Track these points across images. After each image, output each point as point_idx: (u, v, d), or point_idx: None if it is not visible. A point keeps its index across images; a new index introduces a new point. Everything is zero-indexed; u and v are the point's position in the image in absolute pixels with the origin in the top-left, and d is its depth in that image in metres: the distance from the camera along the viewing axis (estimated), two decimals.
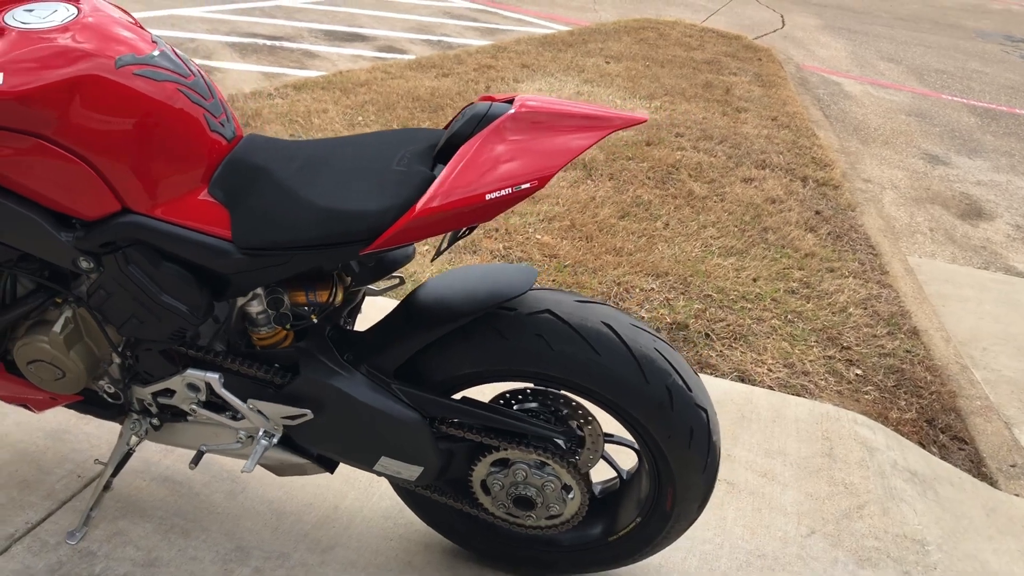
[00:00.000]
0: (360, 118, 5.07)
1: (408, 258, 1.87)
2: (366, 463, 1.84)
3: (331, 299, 1.77)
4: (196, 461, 1.93)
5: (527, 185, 1.51)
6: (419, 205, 1.54)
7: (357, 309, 1.99)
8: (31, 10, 1.64)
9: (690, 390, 1.77)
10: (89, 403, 1.96)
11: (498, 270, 1.84)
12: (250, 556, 2.03)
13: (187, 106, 1.64)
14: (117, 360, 1.85)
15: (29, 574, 1.90)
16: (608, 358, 1.72)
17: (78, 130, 1.57)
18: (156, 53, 1.66)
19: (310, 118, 4.99)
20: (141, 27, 1.77)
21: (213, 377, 1.80)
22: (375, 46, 7.28)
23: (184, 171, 1.66)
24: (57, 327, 1.78)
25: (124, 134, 1.59)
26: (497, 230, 3.86)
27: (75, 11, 1.65)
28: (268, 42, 6.79)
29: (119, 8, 1.77)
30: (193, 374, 1.81)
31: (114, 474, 2.00)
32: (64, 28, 1.59)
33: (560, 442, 1.84)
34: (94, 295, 1.75)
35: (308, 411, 1.81)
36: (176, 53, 1.71)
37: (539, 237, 3.77)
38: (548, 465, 1.84)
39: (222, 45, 6.49)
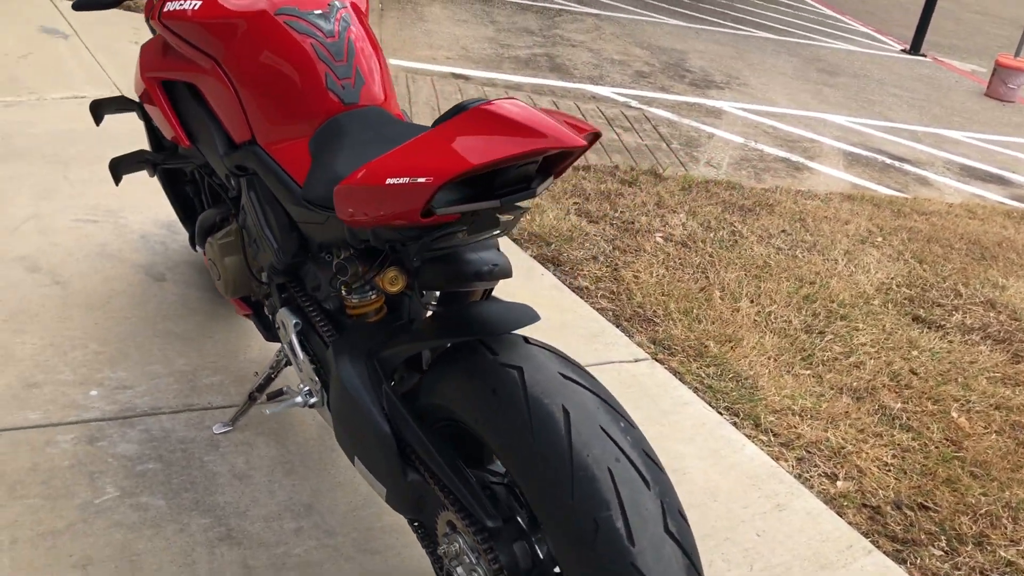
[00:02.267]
0: (880, 239, 4.52)
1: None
2: (349, 456, 1.78)
3: (388, 284, 1.75)
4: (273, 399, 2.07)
5: (423, 180, 1.33)
6: (344, 179, 1.50)
7: None
8: None
9: (630, 542, 1.33)
10: (256, 317, 2.24)
11: (507, 306, 1.63)
12: (309, 516, 2.11)
13: (312, 60, 1.80)
14: (256, 281, 2.09)
15: (167, 434, 2.27)
16: (542, 451, 1.40)
17: (232, 60, 1.85)
18: (317, 12, 1.84)
19: (819, 223, 4.63)
20: None
21: (291, 320, 1.93)
22: (1010, 192, 6.32)
23: (296, 118, 1.82)
24: (219, 234, 2.09)
25: (258, 71, 1.82)
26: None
27: None
28: (888, 160, 6.41)
29: None
30: (284, 312, 1.96)
31: (259, 389, 2.24)
32: None
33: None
34: (238, 214, 2.01)
35: (316, 381, 1.84)
36: (341, 16, 1.87)
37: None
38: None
39: (836, 151, 6.36)
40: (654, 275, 3.67)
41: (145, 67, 2.12)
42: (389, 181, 1.39)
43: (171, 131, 2.08)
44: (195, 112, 2.02)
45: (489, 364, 1.53)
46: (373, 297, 1.85)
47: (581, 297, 3.39)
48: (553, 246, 3.74)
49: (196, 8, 1.85)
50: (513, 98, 1.40)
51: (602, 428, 1.41)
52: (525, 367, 1.50)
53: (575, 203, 4.27)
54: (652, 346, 3.16)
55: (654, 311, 3.40)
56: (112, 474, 2.12)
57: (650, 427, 2.69)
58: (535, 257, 3.62)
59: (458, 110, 1.43)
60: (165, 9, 1.91)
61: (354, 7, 1.95)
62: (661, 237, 4.09)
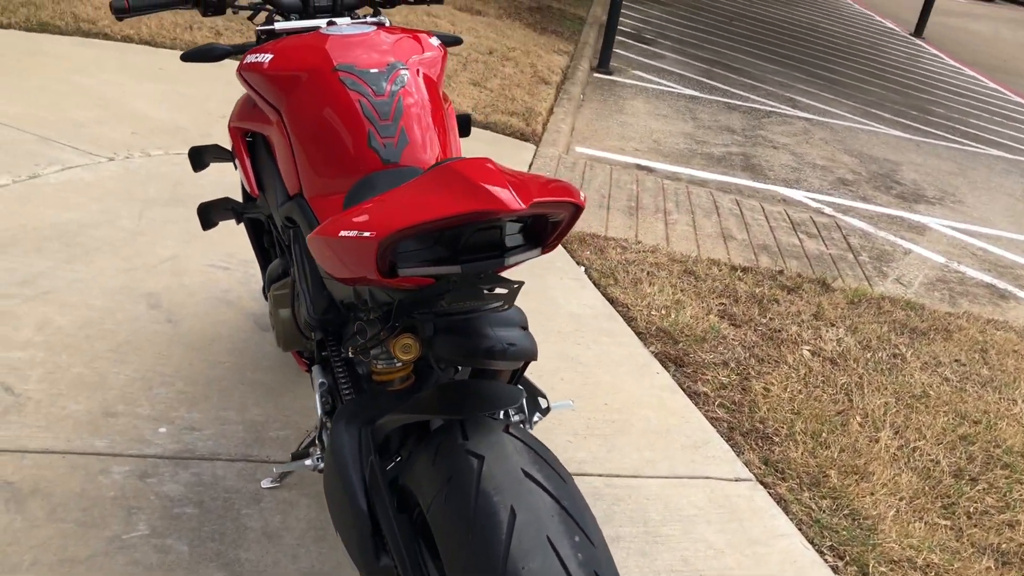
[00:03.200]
0: (902, 349, 3.91)
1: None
2: (335, 528, 1.69)
3: (400, 352, 1.68)
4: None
5: (368, 234, 1.25)
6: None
7: None
8: (351, 23, 1.99)
9: None
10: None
11: (497, 387, 1.51)
12: None
13: (358, 117, 1.79)
14: (303, 336, 2.07)
15: (216, 481, 2.28)
16: (476, 553, 1.27)
17: (291, 113, 1.87)
18: (374, 71, 1.84)
19: (1004, 357, 4.07)
20: (421, 45, 1.95)
21: (318, 379, 1.90)
22: None
23: (337, 173, 1.81)
24: (276, 284, 2.10)
25: (310, 124, 1.84)
26: None
27: (369, 28, 1.94)
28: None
29: (417, 33, 1.99)
30: (315, 371, 1.93)
31: (303, 447, 2.21)
32: (343, 37, 1.89)
33: None
34: (291, 267, 2.02)
35: (317, 449, 1.79)
36: (397, 76, 1.85)
37: None
38: None
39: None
40: (788, 390, 3.36)
41: (232, 118, 2.20)
42: (342, 233, 1.32)
43: (246, 180, 2.12)
44: (265, 163, 2.06)
45: (456, 448, 1.40)
46: (399, 365, 1.77)
47: (695, 403, 3.14)
48: (681, 345, 3.52)
49: (268, 61, 1.89)
50: (488, 159, 1.29)
51: (548, 539, 1.24)
52: (488, 456, 1.35)
53: (721, 304, 4.02)
54: (762, 467, 2.86)
55: (776, 429, 3.09)
56: (149, 512, 2.14)
57: (729, 555, 2.41)
58: (657, 354, 3.42)
59: (433, 166, 1.34)
60: (244, 61, 1.97)
61: (422, 68, 1.92)
62: (808, 351, 3.75)
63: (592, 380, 3.12)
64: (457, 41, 2.36)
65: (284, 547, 2.12)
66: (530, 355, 1.65)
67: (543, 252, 1.41)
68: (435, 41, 2.02)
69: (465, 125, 2.47)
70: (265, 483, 2.28)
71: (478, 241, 1.33)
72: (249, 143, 2.16)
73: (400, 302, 1.52)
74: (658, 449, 2.81)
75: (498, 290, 1.46)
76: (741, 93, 9.68)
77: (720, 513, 2.57)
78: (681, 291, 4.08)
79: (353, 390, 1.83)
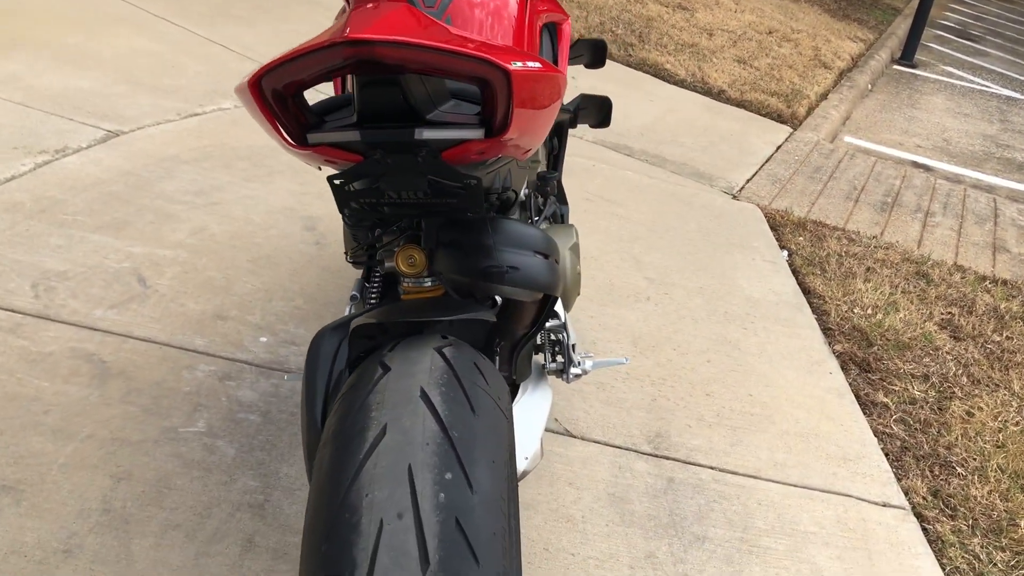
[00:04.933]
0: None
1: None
2: None
3: (403, 264, 1.53)
4: None
5: (246, 80, 1.10)
6: None
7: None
8: None
9: None
10: None
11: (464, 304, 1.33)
12: None
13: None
14: None
15: (292, 395, 2.24)
16: (329, 470, 1.10)
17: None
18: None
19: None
20: None
21: (351, 292, 1.81)
22: None
23: None
24: None
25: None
26: None
27: None
28: None
29: None
30: (355, 283, 1.83)
31: None
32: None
33: None
34: None
35: None
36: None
37: None
38: None
39: None
40: (999, 419, 2.76)
41: None
42: (238, 84, 1.16)
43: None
44: None
45: (375, 357, 1.21)
46: (429, 285, 1.60)
47: (865, 413, 2.66)
48: (875, 349, 3.01)
49: None
50: (410, 5, 1.07)
51: (409, 469, 1.01)
52: (394, 369, 1.15)
53: (947, 313, 3.41)
54: (927, 497, 2.35)
55: (964, 459, 2.54)
56: (213, 411, 2.13)
57: None
58: (840, 353, 2.94)
59: None
60: None
61: None
62: None
63: (744, 368, 2.74)
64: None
65: None
66: (537, 285, 1.41)
67: (491, 138, 1.16)
68: None
69: (597, 53, 2.22)
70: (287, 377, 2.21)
71: (389, 107, 1.12)
72: None
73: (341, 189, 1.34)
74: (795, 453, 2.40)
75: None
76: None
77: (846, 538, 2.14)
78: (902, 292, 3.51)
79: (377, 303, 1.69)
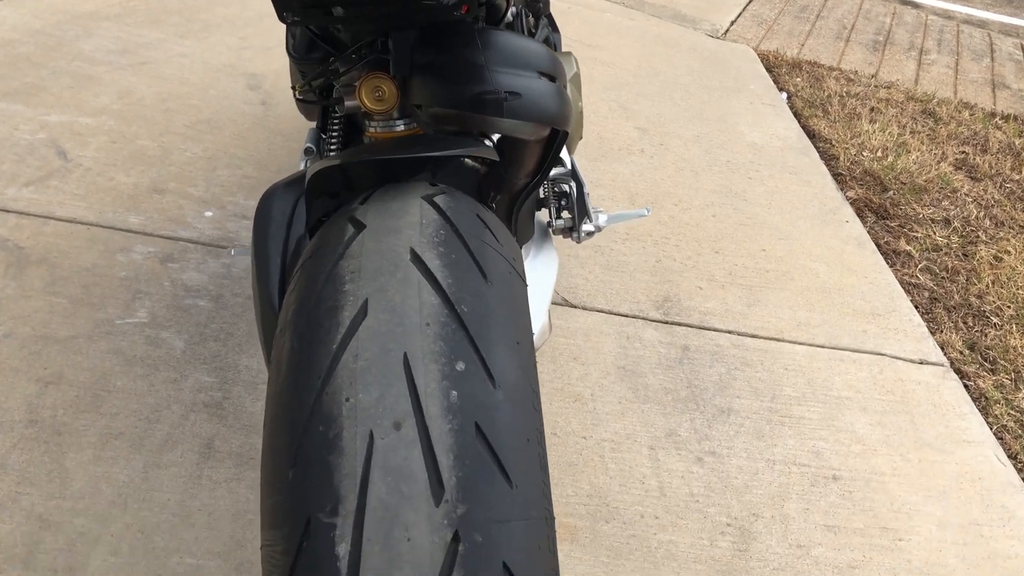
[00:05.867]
0: None
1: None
2: None
3: (369, 98, 1.19)
4: None
5: None
6: None
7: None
8: None
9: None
10: None
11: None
12: None
13: None
14: None
15: (247, 275, 1.91)
16: (298, 360, 0.78)
17: None
18: None
19: None
20: None
21: (304, 144, 1.49)
22: None
23: None
24: None
25: None
26: None
27: None
28: None
29: None
30: (308, 134, 1.51)
31: None
32: None
33: None
34: None
35: None
36: None
37: None
38: None
39: None
40: None
41: None
42: None
43: None
44: None
45: (344, 211, 0.90)
46: (403, 128, 1.27)
47: (890, 263, 2.41)
48: (890, 194, 2.74)
49: None
50: None
51: (405, 360, 0.72)
52: (371, 226, 0.84)
53: (961, 152, 3.13)
54: (964, 351, 2.13)
55: (998, 308, 2.31)
56: (156, 299, 1.82)
57: (882, 456, 1.77)
58: (854, 200, 2.67)
59: None
60: None
61: None
62: None
63: (754, 221, 2.46)
64: None
65: None
66: (545, 115, 1.09)
67: None
68: None
69: None
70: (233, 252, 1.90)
71: None
72: None
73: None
74: (819, 311, 2.15)
75: None
76: None
77: (885, 402, 1.91)
78: (911, 132, 3.22)
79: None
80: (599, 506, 1.59)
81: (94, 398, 1.59)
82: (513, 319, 0.81)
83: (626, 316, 2.03)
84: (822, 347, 2.04)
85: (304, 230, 1.10)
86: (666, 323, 2.03)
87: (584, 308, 2.03)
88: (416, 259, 0.79)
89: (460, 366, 0.73)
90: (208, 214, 2.08)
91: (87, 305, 1.77)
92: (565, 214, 1.46)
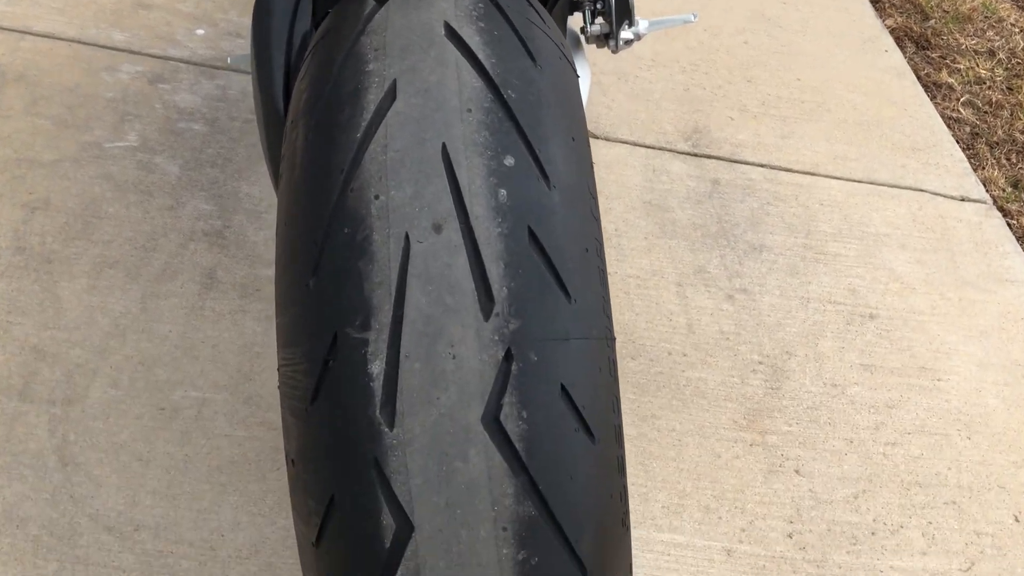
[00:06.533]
0: None
1: None
2: None
3: None
4: None
5: None
6: None
7: None
8: None
9: (386, 416, 0.58)
10: None
11: None
12: None
13: None
14: None
15: (246, 97, 1.76)
16: (320, 143, 0.66)
17: None
18: None
19: None
20: None
21: None
22: None
23: None
24: None
25: None
26: None
27: None
28: None
29: None
30: None
31: None
32: None
33: None
34: None
35: None
36: None
37: None
38: None
39: None
40: None
41: None
42: None
43: None
44: None
45: None
46: None
47: (930, 96, 2.25)
48: (931, 23, 2.55)
49: None
50: None
51: (444, 151, 0.60)
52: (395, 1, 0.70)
53: None
54: (1007, 189, 2.01)
55: None
56: (146, 122, 1.68)
57: (921, 295, 1.68)
58: (893, 29, 2.48)
59: None
60: None
61: None
62: None
63: (789, 49, 2.29)
64: None
65: None
66: None
67: None
68: None
69: None
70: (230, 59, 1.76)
71: None
72: None
73: None
74: (857, 144, 2.02)
75: None
76: None
77: (925, 239, 1.81)
78: None
79: None
80: (624, 343, 1.51)
81: (85, 225, 1.48)
82: (567, 110, 0.69)
83: (652, 148, 1.90)
84: (859, 182, 1.91)
85: (310, 27, 0.96)
86: (695, 155, 1.90)
87: (607, 139, 1.89)
88: (452, 35, 0.66)
89: (509, 161, 0.61)
90: (200, 32, 1.91)
91: (72, 127, 1.64)
92: (600, 20, 1.30)
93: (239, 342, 1.37)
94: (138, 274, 1.42)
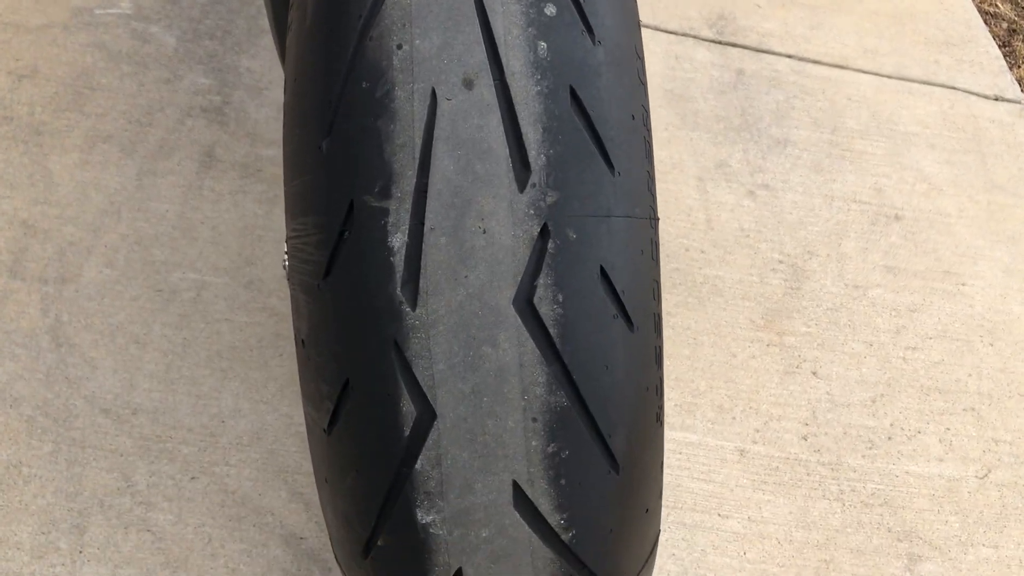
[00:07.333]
0: None
1: None
2: None
3: None
4: None
5: None
6: None
7: None
8: None
9: (410, 301, 0.51)
10: None
11: None
12: None
13: None
14: None
15: None
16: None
17: None
18: None
19: None
20: None
21: None
22: None
23: None
24: None
25: None
26: None
27: None
28: None
29: None
30: None
31: None
32: None
33: None
34: None
35: None
36: None
37: None
38: None
39: None
40: None
41: None
42: None
43: None
44: None
45: None
46: None
47: None
48: None
49: None
50: None
51: None
52: None
53: None
54: None
55: None
56: None
57: (949, 197, 1.62)
58: None
59: None
60: None
61: None
62: None
63: None
64: None
65: None
66: None
67: None
68: None
69: None
70: None
71: None
72: None
73: None
74: (888, 38, 1.92)
75: None
76: None
77: (955, 139, 1.73)
78: None
79: None
80: None
81: (76, 96, 1.40)
82: None
83: (675, 34, 1.80)
84: (889, 77, 1.82)
85: None
86: (719, 43, 1.80)
87: None
88: None
89: (550, 10, 0.54)
90: None
91: None
92: None
93: (239, 224, 1.31)
94: (133, 150, 1.35)
